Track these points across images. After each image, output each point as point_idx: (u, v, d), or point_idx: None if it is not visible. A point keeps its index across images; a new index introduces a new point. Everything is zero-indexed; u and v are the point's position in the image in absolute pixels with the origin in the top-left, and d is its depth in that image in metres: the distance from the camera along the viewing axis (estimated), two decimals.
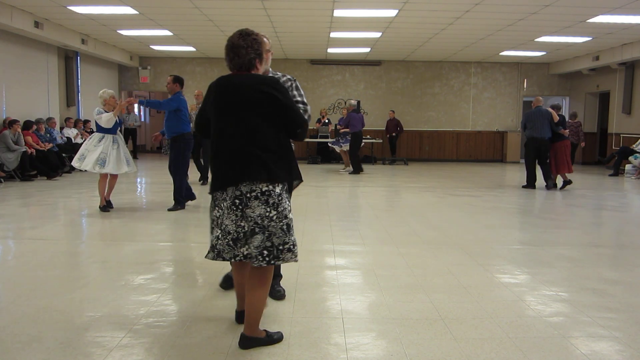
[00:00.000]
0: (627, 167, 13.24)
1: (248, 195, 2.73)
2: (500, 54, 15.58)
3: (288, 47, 15.07)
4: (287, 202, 2.84)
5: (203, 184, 9.98)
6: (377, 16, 10.76)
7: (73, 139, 12.77)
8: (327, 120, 15.88)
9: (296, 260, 2.85)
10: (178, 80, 7.23)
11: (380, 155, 16.78)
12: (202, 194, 8.60)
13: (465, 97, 17.83)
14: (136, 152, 16.57)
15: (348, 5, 9.94)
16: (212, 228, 2.93)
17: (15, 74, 11.63)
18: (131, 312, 3.42)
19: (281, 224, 2.75)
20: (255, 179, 2.73)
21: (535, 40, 13.09)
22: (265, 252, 2.74)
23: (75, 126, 13.30)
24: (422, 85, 17.71)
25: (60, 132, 12.67)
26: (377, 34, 12.79)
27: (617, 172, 13.28)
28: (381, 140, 16.37)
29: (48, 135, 11.79)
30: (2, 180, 10.01)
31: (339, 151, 13.83)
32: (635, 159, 12.96)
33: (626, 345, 3.02)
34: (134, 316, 3.34)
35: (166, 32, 12.90)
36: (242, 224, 2.77)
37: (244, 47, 2.82)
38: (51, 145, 11.52)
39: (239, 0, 9.62)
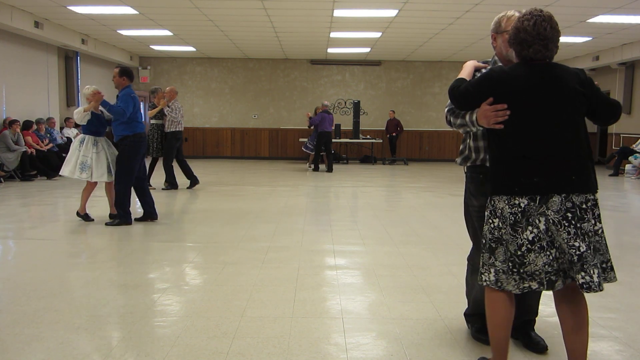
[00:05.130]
0: (627, 167, 13.23)
1: (584, 206, 2.39)
2: None
3: (288, 47, 15.07)
4: None
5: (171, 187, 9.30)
6: (377, 16, 10.75)
7: (73, 139, 12.75)
8: None
9: (616, 279, 2.50)
10: (126, 73, 6.28)
11: (380, 155, 16.78)
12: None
13: None
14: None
15: (348, 5, 9.94)
16: (498, 248, 2.48)
17: (15, 74, 11.62)
18: (131, 312, 3.42)
19: (601, 238, 2.44)
20: (592, 189, 2.45)
21: None
22: (599, 272, 2.40)
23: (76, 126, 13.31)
24: (422, 85, 17.70)
25: (60, 132, 12.67)
26: (377, 34, 12.78)
27: (617, 172, 13.27)
28: (381, 140, 16.37)
29: (48, 135, 11.79)
30: (2, 180, 10.00)
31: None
32: (635, 159, 12.95)
33: (626, 345, 3.02)
34: (133, 316, 3.34)
35: (166, 32, 12.90)
36: (577, 243, 2.35)
37: (553, 41, 2.66)
38: (51, 145, 11.52)
39: (239, 0, 9.63)
